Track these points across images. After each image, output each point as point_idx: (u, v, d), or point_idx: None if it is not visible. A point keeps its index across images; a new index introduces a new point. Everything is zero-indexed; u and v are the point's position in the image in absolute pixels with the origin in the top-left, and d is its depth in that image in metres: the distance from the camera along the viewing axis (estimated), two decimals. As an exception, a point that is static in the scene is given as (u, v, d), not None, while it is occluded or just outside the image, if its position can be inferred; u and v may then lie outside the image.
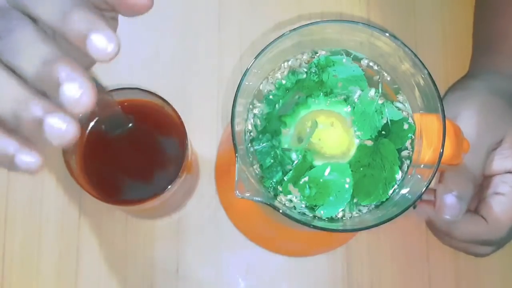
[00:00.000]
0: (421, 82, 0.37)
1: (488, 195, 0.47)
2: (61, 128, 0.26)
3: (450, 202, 0.44)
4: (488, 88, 0.49)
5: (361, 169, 0.37)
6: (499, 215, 0.45)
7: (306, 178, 0.36)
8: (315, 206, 0.36)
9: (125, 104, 0.42)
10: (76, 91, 0.26)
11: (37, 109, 0.26)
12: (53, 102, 0.26)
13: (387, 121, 0.38)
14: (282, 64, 0.39)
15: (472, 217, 0.46)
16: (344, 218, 0.36)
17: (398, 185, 0.37)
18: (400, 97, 0.39)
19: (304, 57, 0.39)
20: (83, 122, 0.43)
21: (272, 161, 0.37)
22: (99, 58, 0.26)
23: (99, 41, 0.26)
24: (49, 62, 0.26)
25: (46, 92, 0.26)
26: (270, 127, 0.38)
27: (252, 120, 0.38)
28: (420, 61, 0.36)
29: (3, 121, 0.26)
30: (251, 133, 0.38)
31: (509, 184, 0.46)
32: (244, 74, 0.36)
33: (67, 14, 0.26)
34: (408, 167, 0.37)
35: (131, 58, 0.54)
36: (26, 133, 0.27)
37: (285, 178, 0.37)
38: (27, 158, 0.27)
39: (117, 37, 0.27)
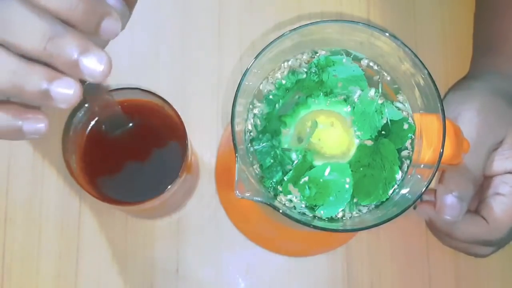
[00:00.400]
0: (421, 82, 0.37)
1: (488, 196, 0.47)
2: (67, 93, 0.27)
3: (451, 202, 0.45)
4: (488, 89, 0.49)
5: (361, 169, 0.37)
6: (499, 216, 0.45)
7: (306, 178, 0.36)
8: (315, 206, 0.36)
9: (125, 104, 0.42)
10: (97, 64, 0.27)
11: (39, 79, 0.27)
12: (52, 68, 0.27)
13: (387, 121, 0.38)
14: (282, 64, 0.39)
15: (472, 217, 0.46)
16: (344, 218, 0.36)
17: (398, 185, 0.37)
18: (400, 97, 0.39)
19: (304, 57, 0.39)
20: (83, 122, 0.43)
21: (272, 161, 0.37)
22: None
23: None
24: (53, 39, 0.26)
25: (54, 64, 0.27)
26: (270, 127, 0.38)
27: (252, 120, 0.38)
28: (420, 61, 0.36)
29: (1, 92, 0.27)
30: (251, 133, 0.38)
31: (509, 185, 0.46)
32: (244, 74, 0.36)
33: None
34: (408, 167, 0.37)
35: (131, 58, 0.54)
36: (28, 101, 0.28)
37: (285, 178, 0.37)
38: (35, 123, 0.28)
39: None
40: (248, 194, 0.33)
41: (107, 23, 0.28)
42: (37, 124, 0.28)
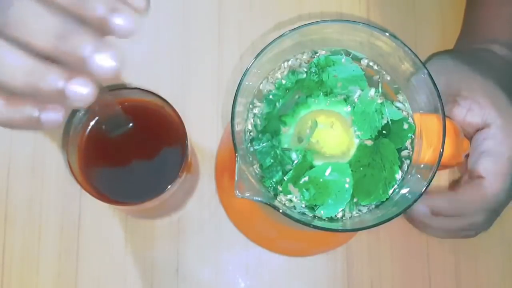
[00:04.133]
0: (421, 82, 0.37)
1: (476, 155, 0.47)
2: (82, 93, 0.27)
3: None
4: (450, 56, 0.51)
5: (361, 169, 0.37)
6: (493, 169, 0.45)
7: (306, 178, 0.36)
8: (315, 206, 0.36)
9: (125, 104, 0.42)
10: (107, 61, 0.27)
11: (55, 79, 0.27)
12: (67, 67, 0.27)
13: (387, 121, 0.38)
14: (282, 64, 0.39)
15: (469, 182, 0.46)
16: (344, 218, 0.36)
17: (398, 185, 0.37)
18: (400, 97, 0.39)
19: (304, 57, 0.39)
20: (83, 122, 0.43)
21: (272, 161, 0.37)
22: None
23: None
24: (65, 37, 0.26)
25: (66, 62, 0.27)
26: (270, 127, 0.38)
27: (252, 120, 0.38)
28: (420, 61, 0.36)
29: (17, 90, 0.27)
30: (251, 133, 0.38)
31: (488, 138, 0.46)
32: (244, 74, 0.36)
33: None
34: (408, 167, 0.37)
35: (131, 58, 0.54)
36: (44, 100, 0.28)
37: (285, 178, 0.37)
38: (51, 115, 0.28)
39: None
40: (248, 194, 0.33)
41: (118, 21, 0.27)
42: (54, 114, 0.28)
